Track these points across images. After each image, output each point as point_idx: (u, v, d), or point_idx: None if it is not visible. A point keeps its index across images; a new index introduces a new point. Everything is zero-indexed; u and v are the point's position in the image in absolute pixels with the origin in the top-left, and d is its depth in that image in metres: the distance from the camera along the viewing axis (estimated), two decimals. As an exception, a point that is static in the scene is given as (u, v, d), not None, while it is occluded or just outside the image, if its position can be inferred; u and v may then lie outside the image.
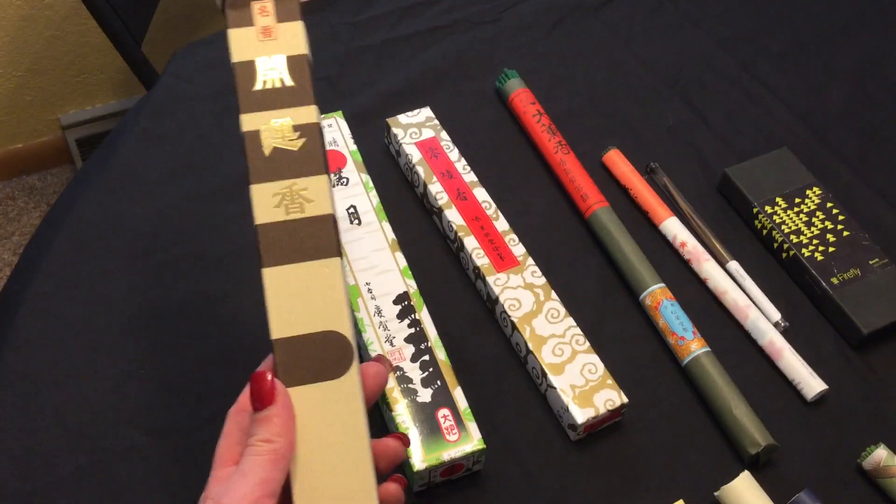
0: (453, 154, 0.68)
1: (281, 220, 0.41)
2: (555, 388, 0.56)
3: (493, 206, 0.65)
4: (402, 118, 0.71)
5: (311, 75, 0.43)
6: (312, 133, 0.42)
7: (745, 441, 0.56)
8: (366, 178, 0.65)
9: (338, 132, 0.68)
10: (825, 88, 0.81)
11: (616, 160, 0.72)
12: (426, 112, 0.71)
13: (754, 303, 0.64)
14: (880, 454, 0.55)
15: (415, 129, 0.70)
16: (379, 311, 0.58)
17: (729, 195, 0.71)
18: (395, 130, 0.70)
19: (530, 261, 0.62)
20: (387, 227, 0.63)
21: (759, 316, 0.63)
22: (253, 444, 0.37)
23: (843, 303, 0.63)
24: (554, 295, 0.61)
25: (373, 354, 0.56)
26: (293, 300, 0.40)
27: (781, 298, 0.65)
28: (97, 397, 0.57)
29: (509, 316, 0.60)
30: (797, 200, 0.69)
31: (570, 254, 0.67)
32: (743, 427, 0.56)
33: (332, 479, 0.38)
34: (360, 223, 0.63)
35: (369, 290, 0.59)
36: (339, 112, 0.70)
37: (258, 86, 0.42)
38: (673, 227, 0.68)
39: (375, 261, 0.61)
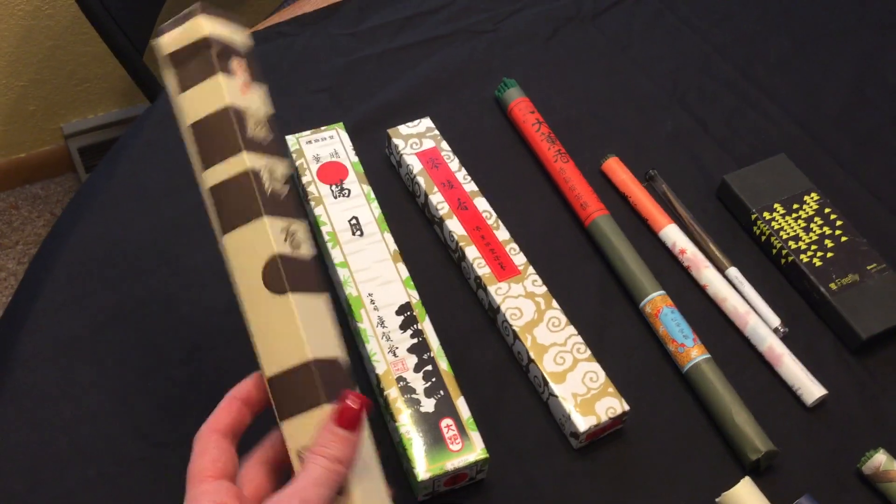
0: (454, 164, 0.69)
1: (287, 253, 0.43)
2: (556, 397, 0.57)
3: (494, 215, 0.66)
4: (403, 128, 0.71)
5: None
6: (291, 183, 0.46)
7: (745, 447, 0.56)
8: (367, 189, 0.66)
9: (339, 143, 0.69)
10: (823, 93, 0.81)
11: (615, 168, 0.73)
12: (426, 122, 0.72)
13: (754, 309, 0.65)
14: (880, 459, 0.56)
15: (415, 139, 0.70)
16: (382, 322, 0.59)
17: (728, 202, 0.72)
18: (395, 141, 0.70)
19: (531, 270, 0.63)
20: (388, 237, 0.63)
21: (759, 322, 0.64)
22: (321, 455, 0.39)
23: (842, 308, 0.63)
24: (555, 303, 0.61)
25: (376, 366, 0.56)
26: (279, 326, 0.42)
27: (781, 304, 0.65)
28: (105, 410, 0.57)
29: (511, 325, 0.60)
30: (795, 206, 0.69)
31: (570, 262, 0.67)
32: (743, 433, 0.57)
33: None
34: (361, 234, 0.63)
35: (372, 301, 0.60)
36: (340, 123, 0.71)
37: (251, 132, 0.45)
38: (672, 235, 0.68)
39: (377, 272, 0.61)
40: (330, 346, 0.43)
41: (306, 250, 0.44)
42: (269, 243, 0.42)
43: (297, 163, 0.67)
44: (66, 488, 0.54)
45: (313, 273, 0.44)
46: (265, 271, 0.42)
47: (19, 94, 1.48)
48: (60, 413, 0.57)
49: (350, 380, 0.43)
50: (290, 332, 0.41)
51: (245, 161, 0.43)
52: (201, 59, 0.44)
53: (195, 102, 0.44)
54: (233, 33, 0.46)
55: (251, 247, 0.43)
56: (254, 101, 0.45)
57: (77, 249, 0.66)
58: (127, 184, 0.71)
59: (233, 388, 0.43)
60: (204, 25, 0.44)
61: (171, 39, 0.45)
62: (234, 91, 0.44)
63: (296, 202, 0.45)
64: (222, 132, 0.44)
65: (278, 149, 0.46)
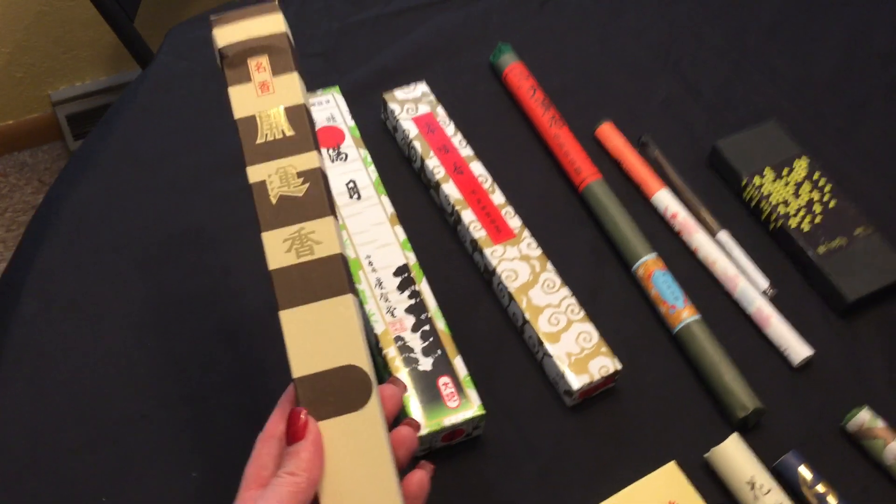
0: (450, 129, 0.69)
1: (293, 264, 0.43)
2: (551, 356, 0.58)
3: (490, 179, 0.67)
4: (399, 93, 0.72)
5: (311, 122, 0.46)
6: (315, 177, 0.44)
7: (734, 405, 0.58)
8: (364, 153, 0.67)
9: (335, 108, 0.69)
10: (814, 60, 0.82)
11: (609, 133, 0.74)
12: (422, 87, 0.72)
13: (743, 272, 0.66)
14: (864, 416, 0.57)
15: (411, 104, 0.71)
16: (380, 284, 0.59)
17: (719, 167, 0.73)
18: (391, 106, 0.71)
19: (526, 233, 0.64)
20: (386, 201, 0.64)
21: (748, 284, 0.65)
22: (279, 475, 0.39)
23: (829, 271, 0.65)
24: (549, 266, 0.62)
25: (375, 326, 0.57)
26: (311, 339, 0.41)
27: (769, 267, 0.67)
28: (105, 369, 0.58)
29: (506, 287, 0.61)
30: (785, 171, 0.70)
31: (564, 226, 0.68)
32: (732, 391, 0.58)
33: (361, 501, 0.40)
34: (359, 198, 0.64)
35: (370, 263, 0.60)
36: (336, 87, 0.71)
37: (261, 139, 0.45)
38: (664, 199, 0.69)
39: (375, 234, 0.62)
40: (339, 354, 0.41)
41: (326, 250, 0.43)
42: (267, 260, 0.43)
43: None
44: (66, 446, 0.55)
45: (332, 274, 0.42)
46: (270, 286, 0.42)
47: (6, 61, 1.46)
48: (60, 372, 0.58)
49: (367, 384, 0.41)
50: (287, 349, 0.42)
51: (249, 175, 0.44)
52: (223, 68, 0.46)
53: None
54: (256, 27, 0.46)
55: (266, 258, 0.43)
56: (273, 100, 0.45)
57: (74, 212, 0.67)
58: (121, 148, 0.71)
59: (284, 392, 0.43)
60: (217, 38, 0.46)
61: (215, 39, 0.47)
62: (245, 99, 0.45)
63: (321, 195, 0.44)
64: (240, 141, 0.45)
65: (303, 143, 0.45)
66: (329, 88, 0.71)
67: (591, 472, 0.56)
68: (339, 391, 0.41)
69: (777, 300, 0.65)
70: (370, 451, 0.40)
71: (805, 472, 0.55)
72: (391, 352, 0.56)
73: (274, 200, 0.43)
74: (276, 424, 0.42)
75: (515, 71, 0.76)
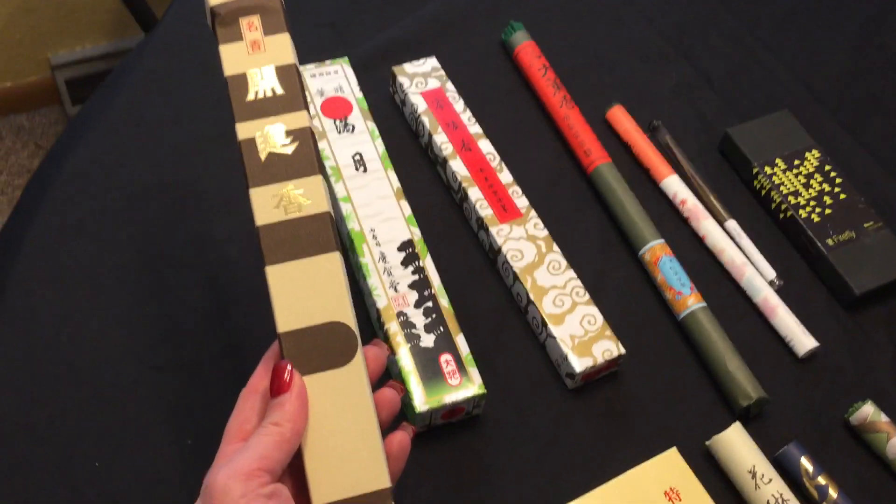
0: (458, 105, 0.68)
1: (280, 221, 0.43)
2: (554, 338, 0.58)
3: (498, 158, 0.66)
4: (408, 67, 0.70)
5: (301, 82, 0.46)
6: (305, 137, 0.45)
7: (737, 393, 0.57)
8: (371, 125, 0.66)
9: (343, 79, 0.68)
10: (827, 53, 0.81)
11: (619, 117, 0.73)
12: (432, 62, 0.71)
13: (750, 261, 0.65)
14: (867, 410, 0.57)
15: (420, 78, 0.70)
16: (383, 258, 0.59)
17: (729, 155, 0.72)
18: (400, 79, 0.70)
19: (533, 213, 0.63)
20: (392, 175, 0.63)
21: (755, 274, 0.64)
22: (263, 426, 0.39)
23: (838, 264, 0.64)
24: (556, 247, 0.62)
25: (377, 300, 0.57)
26: (297, 295, 0.42)
27: (777, 258, 0.66)
28: (101, 333, 0.57)
29: (511, 266, 0.60)
30: (796, 162, 0.70)
31: (571, 208, 0.67)
32: (735, 380, 0.58)
33: (345, 458, 0.40)
34: (365, 170, 0.63)
35: (374, 237, 0.59)
36: (346, 58, 0.70)
37: (251, 96, 0.45)
38: (673, 185, 0.69)
39: (380, 208, 0.61)
40: (325, 310, 0.42)
41: (314, 208, 0.43)
42: (255, 216, 0.43)
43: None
44: (61, 409, 0.54)
45: (319, 231, 0.43)
46: (256, 242, 0.43)
47: (5, 22, 1.44)
48: (57, 335, 0.57)
49: (352, 340, 0.42)
50: (271, 304, 0.42)
51: (237, 131, 0.44)
52: (214, 26, 0.47)
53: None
54: None
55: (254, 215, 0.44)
56: (263, 59, 0.46)
57: (74, 175, 0.65)
58: (124, 112, 0.70)
59: (269, 348, 0.43)
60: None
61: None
62: (236, 57, 0.46)
63: (310, 154, 0.44)
64: (229, 98, 0.45)
65: (294, 102, 0.45)
66: (338, 59, 0.70)
67: (591, 455, 0.55)
68: (324, 347, 0.41)
69: (784, 291, 0.64)
70: (354, 407, 0.41)
71: (806, 463, 0.54)
72: (393, 327, 0.56)
73: (263, 158, 0.44)
74: (259, 379, 0.42)
75: (527, 50, 0.75)
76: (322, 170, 0.45)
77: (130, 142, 0.68)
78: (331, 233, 0.43)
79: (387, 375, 0.57)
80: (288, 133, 0.45)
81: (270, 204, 0.43)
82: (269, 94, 0.45)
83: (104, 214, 0.63)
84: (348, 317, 0.42)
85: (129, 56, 0.75)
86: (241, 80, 0.45)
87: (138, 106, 0.70)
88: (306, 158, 0.44)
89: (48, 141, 1.59)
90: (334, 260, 0.43)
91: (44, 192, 0.64)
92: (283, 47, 0.46)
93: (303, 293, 0.42)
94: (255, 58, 0.46)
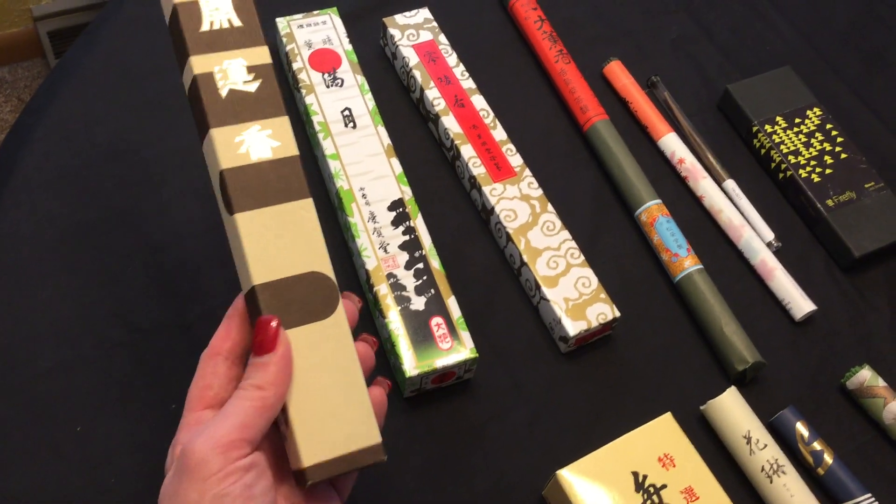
0: (451, 59, 0.66)
1: (247, 164, 0.39)
2: (548, 301, 0.56)
3: (491, 114, 0.64)
4: (400, 18, 0.68)
5: (258, 15, 0.42)
6: (267, 73, 0.41)
7: (732, 357, 0.56)
8: (361, 79, 0.63)
9: (332, 30, 0.66)
10: (832, 7, 0.79)
11: (617, 72, 0.70)
12: (424, 13, 0.68)
13: (749, 222, 0.64)
14: (864, 375, 0.56)
15: (412, 30, 0.67)
16: (373, 217, 0.57)
17: (729, 112, 0.70)
18: (391, 31, 0.67)
19: (527, 171, 0.61)
20: (382, 131, 0.61)
21: (753, 235, 0.63)
22: (244, 388, 0.37)
23: (837, 225, 0.63)
24: (550, 207, 0.60)
25: (367, 261, 0.55)
26: (270, 244, 0.39)
27: (776, 219, 0.65)
28: (83, 293, 0.56)
29: (504, 227, 0.59)
30: (797, 120, 0.68)
31: (566, 166, 0.66)
32: (731, 344, 0.57)
33: (333, 415, 0.38)
34: (354, 126, 0.61)
35: (363, 196, 0.58)
36: (334, 8, 0.67)
37: (205, 27, 0.41)
38: (671, 143, 0.67)
39: (370, 166, 0.59)
40: (302, 260, 0.39)
41: (283, 151, 0.40)
42: (216, 159, 0.39)
43: (288, 48, 0.64)
44: (42, 369, 0.53)
45: (290, 176, 0.40)
46: (221, 188, 0.39)
47: (-14, -31, 1.40)
48: (39, 294, 0.55)
49: (333, 290, 0.39)
50: (240, 255, 0.39)
51: (192, 66, 0.40)
52: None
53: None
54: None
55: (210, 161, 0.40)
56: None
57: (55, 127, 0.63)
58: (106, 61, 0.67)
59: (231, 306, 0.40)
60: None
61: None
62: None
63: (275, 94, 0.41)
64: (176, 32, 0.41)
65: (252, 36, 0.41)
66: (326, 9, 0.67)
67: (584, 420, 0.55)
68: (304, 299, 0.39)
69: (781, 253, 0.63)
70: (338, 361, 0.39)
71: (802, 428, 0.54)
72: (383, 289, 0.54)
73: (223, 95, 0.40)
74: (222, 341, 0.39)
75: (523, 1, 0.72)
76: (285, 110, 0.42)
77: (111, 94, 0.65)
78: (302, 177, 0.40)
79: (376, 335, 0.56)
80: (250, 69, 0.41)
81: (235, 147, 0.39)
82: (226, 24, 0.41)
83: (83, 169, 0.61)
84: (327, 266, 0.40)
85: (110, 4, 0.72)
86: (193, 7, 0.41)
87: (120, 55, 0.67)
88: (271, 97, 0.41)
89: (31, 95, 1.55)
90: (308, 206, 0.40)
91: (22, 147, 0.62)
92: None
93: (276, 242, 0.39)
94: None
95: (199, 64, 0.40)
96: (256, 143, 0.40)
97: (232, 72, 0.41)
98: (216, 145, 0.39)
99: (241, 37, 0.41)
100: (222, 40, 0.41)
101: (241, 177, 0.39)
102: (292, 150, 0.41)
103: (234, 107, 0.40)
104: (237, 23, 0.41)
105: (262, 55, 0.41)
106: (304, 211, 0.40)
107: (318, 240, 0.40)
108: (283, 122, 0.41)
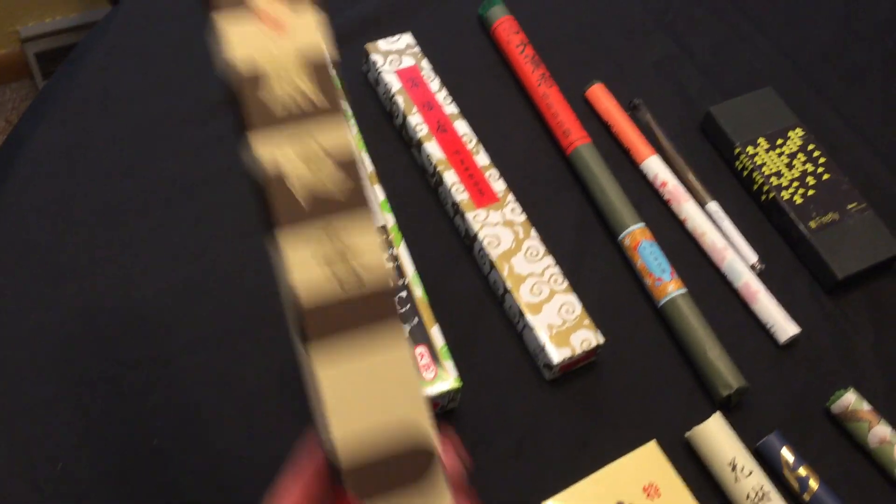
0: (434, 84, 0.66)
1: (326, 281, 0.32)
2: (532, 328, 0.56)
3: (475, 139, 0.64)
4: (382, 44, 0.68)
5: (338, 81, 0.34)
6: (351, 163, 0.32)
7: (717, 382, 0.56)
8: (344, 105, 0.63)
9: (314, 57, 0.66)
10: (812, 27, 0.79)
11: (599, 95, 0.71)
12: (407, 38, 0.68)
13: (732, 244, 0.64)
14: (849, 398, 0.56)
15: (395, 56, 0.67)
16: (356, 246, 0.57)
17: (711, 134, 0.70)
18: (373, 57, 0.67)
19: (511, 197, 0.61)
20: (365, 158, 0.61)
21: (736, 258, 0.63)
22: None
23: (820, 247, 0.63)
24: (534, 233, 0.60)
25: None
26: (354, 386, 0.31)
27: (758, 241, 0.65)
28: (65, 326, 0.55)
29: (488, 253, 0.59)
30: (779, 142, 0.68)
31: (550, 190, 0.66)
32: (716, 369, 0.57)
33: None
34: (336, 154, 0.61)
35: (346, 224, 0.57)
36: (316, 36, 0.67)
37: (270, 100, 0.32)
38: (654, 166, 0.67)
39: (352, 194, 0.59)
40: (394, 408, 0.31)
41: (370, 266, 0.32)
42: (291, 281, 0.31)
43: (270, 76, 0.64)
44: (22, 405, 0.52)
45: (377, 296, 0.32)
46: (295, 315, 0.31)
47: (-28, -8, 1.40)
48: (19, 328, 0.55)
49: (430, 449, 0.31)
50: (318, 400, 0.31)
51: (254, 149, 0.31)
52: None
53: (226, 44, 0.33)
54: None
55: (282, 272, 0.32)
56: (288, 43, 0.33)
57: (38, 154, 0.63)
58: (89, 89, 0.67)
59: (301, 453, 0.33)
60: None
61: None
62: (246, 38, 0.32)
63: (359, 190, 0.32)
64: (235, 98, 0.32)
65: (331, 109, 0.32)
66: (308, 36, 0.67)
67: (569, 448, 0.54)
68: (394, 459, 0.31)
69: (765, 275, 0.63)
70: None
71: (787, 454, 0.54)
72: (366, 318, 0.54)
73: (296, 192, 0.32)
74: (289, 496, 0.32)
75: (505, 25, 0.72)
76: (374, 209, 0.34)
77: (94, 122, 0.65)
78: (393, 298, 0.32)
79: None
80: (329, 156, 0.32)
81: (312, 258, 0.31)
82: (299, 97, 0.32)
83: (65, 199, 0.61)
84: (423, 414, 0.32)
85: (94, 31, 0.72)
86: (256, 70, 0.32)
87: (103, 83, 0.67)
88: (355, 195, 0.32)
89: (19, 116, 1.55)
90: (399, 334, 0.32)
91: (3, 176, 0.62)
92: (314, 28, 0.33)
93: (363, 384, 0.31)
94: (276, 41, 0.33)
95: (262, 149, 0.32)
96: (340, 252, 0.32)
97: (307, 161, 0.32)
98: (285, 255, 0.31)
99: (317, 114, 0.32)
100: (294, 118, 0.32)
101: (319, 298, 0.31)
102: (381, 263, 0.32)
103: (309, 206, 0.32)
104: (314, 95, 0.33)
105: (341, 136, 0.33)
106: (395, 340, 0.32)
107: (412, 378, 0.32)
108: (370, 227, 0.32)
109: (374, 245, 0.32)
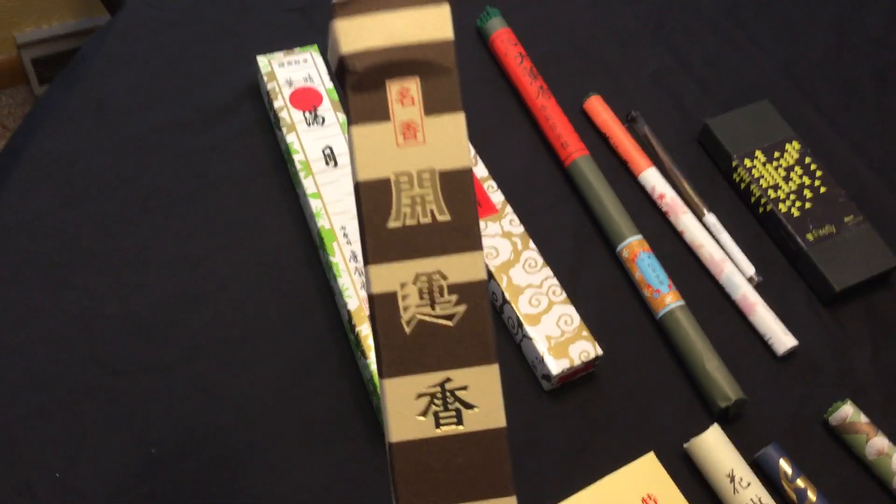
0: (433, 95, 0.66)
1: (428, 438, 0.28)
2: (530, 339, 0.56)
3: (472, 150, 0.64)
4: (381, 55, 0.68)
5: (475, 203, 0.29)
6: (476, 296, 0.28)
7: (715, 394, 0.56)
8: (342, 117, 0.63)
9: (313, 68, 0.66)
10: (807, 39, 0.80)
11: (597, 107, 0.71)
12: (405, 50, 0.69)
13: (729, 257, 0.64)
14: (847, 410, 0.56)
15: (393, 67, 0.67)
16: (355, 257, 0.57)
17: (708, 146, 0.71)
18: (372, 68, 0.67)
19: (509, 208, 0.61)
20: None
21: (734, 270, 0.63)
22: None
23: (817, 259, 0.63)
24: (532, 244, 0.60)
25: (348, 301, 0.55)
26: None
27: (756, 253, 0.65)
28: (61, 335, 0.55)
29: (486, 265, 0.59)
30: (776, 154, 0.68)
31: (548, 202, 0.66)
32: (714, 381, 0.57)
33: None
34: (336, 165, 0.61)
35: (345, 235, 0.58)
36: (315, 46, 0.67)
37: (395, 221, 0.28)
38: (652, 178, 0.67)
39: (351, 204, 0.59)
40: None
41: (482, 419, 0.29)
42: (388, 427, 0.29)
43: (269, 86, 0.64)
44: (18, 415, 0.52)
45: (489, 457, 0.28)
46: (390, 463, 0.29)
47: (-32, -1, 1.40)
48: (15, 337, 0.55)
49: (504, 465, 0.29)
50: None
51: (370, 279, 0.28)
52: (344, 88, 0.28)
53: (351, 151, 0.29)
54: (406, 27, 0.29)
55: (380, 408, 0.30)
56: (421, 156, 0.28)
57: (33, 166, 0.63)
58: (86, 99, 0.67)
59: None
60: (342, 36, 0.28)
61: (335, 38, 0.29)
62: (377, 149, 0.28)
63: (482, 328, 0.28)
64: (362, 220, 0.28)
65: (465, 234, 0.28)
66: (307, 47, 0.67)
67: (567, 459, 0.54)
68: None
69: (763, 287, 0.63)
70: None
71: (785, 465, 0.54)
72: (364, 329, 0.54)
73: (407, 327, 0.28)
74: None
75: (503, 37, 0.72)
76: (496, 353, 0.29)
77: (91, 132, 0.65)
78: (508, 463, 0.28)
79: (358, 376, 0.55)
80: (452, 289, 0.28)
81: (414, 407, 0.28)
82: (426, 218, 0.28)
83: (63, 209, 0.61)
84: None
85: (91, 40, 0.72)
86: (383, 189, 0.28)
87: (100, 93, 0.67)
88: (476, 333, 0.28)
89: (15, 122, 1.55)
90: None
91: (2, 184, 0.62)
92: (453, 136, 0.28)
93: None
94: (408, 153, 0.28)
95: (379, 278, 0.28)
96: (448, 403, 0.28)
97: (425, 291, 0.28)
98: (386, 401, 0.28)
99: (446, 237, 0.28)
100: (418, 242, 0.28)
101: (418, 454, 0.28)
102: (499, 418, 0.28)
103: (419, 346, 0.28)
104: (442, 216, 0.28)
105: (473, 266, 0.28)
106: None
107: None
108: (492, 372, 0.28)
109: (486, 381, 0.28)
